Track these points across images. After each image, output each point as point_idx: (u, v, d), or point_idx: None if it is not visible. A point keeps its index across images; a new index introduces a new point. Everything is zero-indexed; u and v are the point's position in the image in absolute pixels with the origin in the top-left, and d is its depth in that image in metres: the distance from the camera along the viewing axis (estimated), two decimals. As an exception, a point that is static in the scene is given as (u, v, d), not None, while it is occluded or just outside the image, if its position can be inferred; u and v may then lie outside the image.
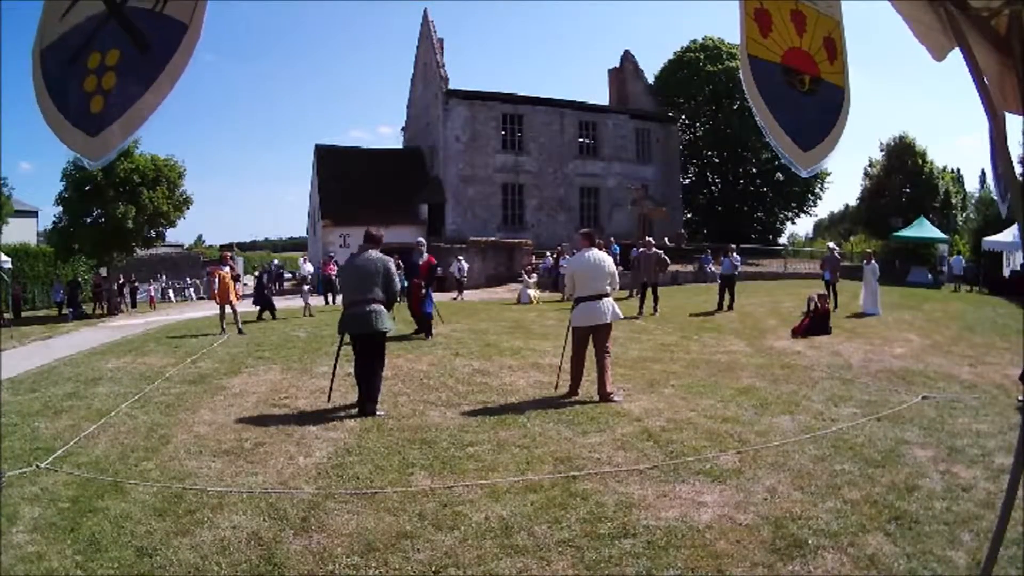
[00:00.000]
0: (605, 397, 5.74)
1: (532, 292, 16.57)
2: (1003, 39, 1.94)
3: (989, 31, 1.93)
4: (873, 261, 13.35)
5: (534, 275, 18.36)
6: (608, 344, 5.90)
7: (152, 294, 23.35)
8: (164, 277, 27.52)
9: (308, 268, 20.01)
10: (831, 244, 16.80)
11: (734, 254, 14.66)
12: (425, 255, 9.93)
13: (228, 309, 11.35)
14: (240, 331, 10.90)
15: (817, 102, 1.80)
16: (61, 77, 1.40)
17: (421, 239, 10.92)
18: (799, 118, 1.73)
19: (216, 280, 11.51)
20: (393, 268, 5.72)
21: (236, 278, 12.23)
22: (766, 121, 1.66)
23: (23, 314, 19.74)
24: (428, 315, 9.71)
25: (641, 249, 14.17)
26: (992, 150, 2.11)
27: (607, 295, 5.85)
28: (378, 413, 5.42)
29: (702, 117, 35.11)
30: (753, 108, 1.66)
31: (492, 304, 16.11)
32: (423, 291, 9.67)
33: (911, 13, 1.88)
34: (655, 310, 12.61)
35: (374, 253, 5.67)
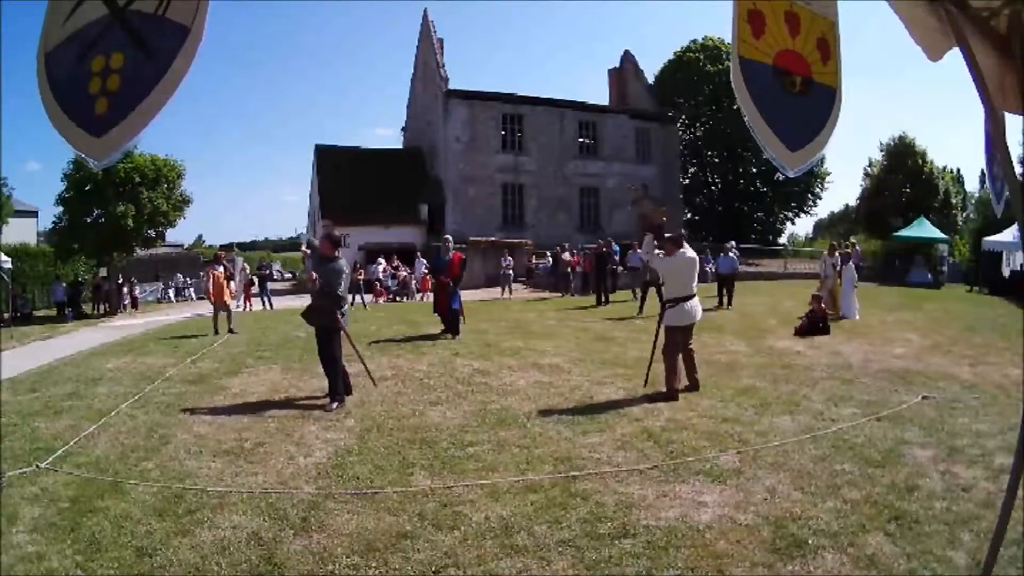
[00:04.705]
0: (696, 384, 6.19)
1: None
2: (1003, 38, 1.94)
3: (989, 30, 1.93)
4: (851, 262, 12.44)
5: (511, 271, 18.89)
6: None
7: (159, 295, 23.40)
8: (166, 278, 27.51)
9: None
10: (833, 244, 16.75)
11: (732, 252, 14.70)
12: (452, 251, 9.94)
13: (222, 310, 11.30)
14: (231, 330, 10.88)
15: (807, 103, 1.81)
16: (66, 80, 1.41)
17: (448, 236, 10.94)
18: (788, 119, 1.74)
19: (211, 280, 11.47)
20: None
21: (230, 277, 12.15)
22: (754, 122, 1.67)
23: (19, 314, 19.67)
24: (456, 312, 9.72)
25: (642, 250, 14.19)
26: (987, 148, 2.11)
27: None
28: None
29: (702, 117, 35.09)
30: (742, 109, 1.67)
31: (492, 304, 16.12)
32: (452, 288, 9.66)
33: (908, 12, 1.88)
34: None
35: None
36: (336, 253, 6.02)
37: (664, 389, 5.95)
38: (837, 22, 1.88)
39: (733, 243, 15.62)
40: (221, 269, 11.49)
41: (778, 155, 1.71)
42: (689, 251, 6.25)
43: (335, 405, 5.66)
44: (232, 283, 12.49)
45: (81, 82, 1.39)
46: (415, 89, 32.28)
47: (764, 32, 1.71)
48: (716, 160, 36.14)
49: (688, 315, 6.08)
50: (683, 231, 7.98)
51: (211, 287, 11.37)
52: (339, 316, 5.88)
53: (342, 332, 5.97)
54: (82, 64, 1.39)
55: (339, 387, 5.81)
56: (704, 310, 6.64)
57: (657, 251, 6.44)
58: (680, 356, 6.11)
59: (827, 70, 1.85)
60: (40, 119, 1.41)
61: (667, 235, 6.59)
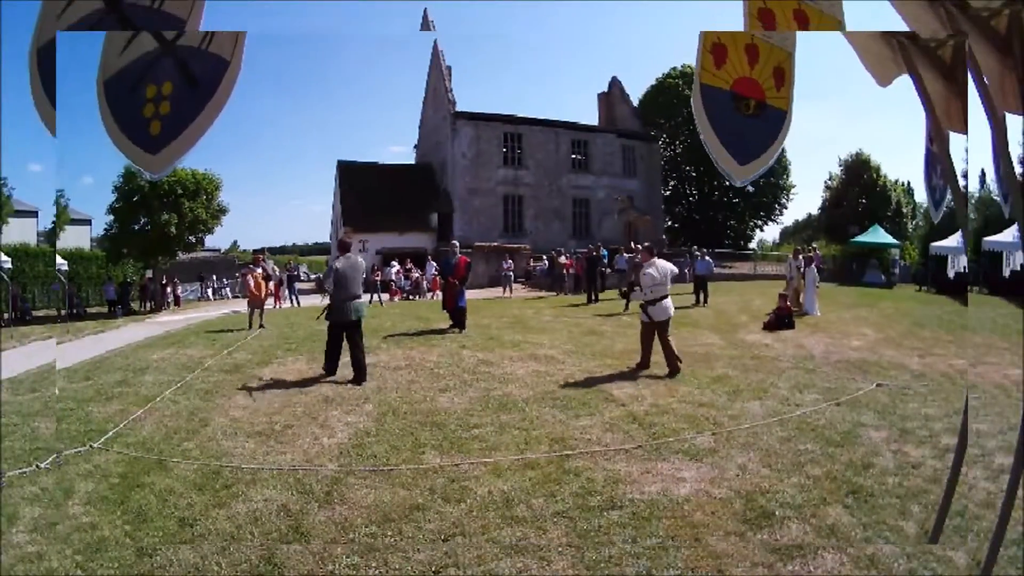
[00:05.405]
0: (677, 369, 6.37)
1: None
2: (1003, 39, 1.83)
3: (989, 30, 1.83)
4: (813, 265, 12.38)
5: (511, 273, 19.09)
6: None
7: (199, 294, 23.51)
8: (206, 278, 27.50)
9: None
10: (798, 248, 16.77)
11: (707, 256, 14.77)
12: (458, 255, 9.98)
13: (257, 307, 11.27)
14: (262, 326, 10.86)
15: (759, 123, 1.82)
16: (124, 104, 1.45)
17: (455, 241, 11.13)
18: (739, 137, 1.76)
19: (251, 280, 11.41)
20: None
21: (267, 278, 12.13)
22: (708, 139, 1.70)
23: (75, 311, 19.58)
24: (463, 309, 9.75)
25: (628, 255, 14.28)
26: (994, 150, 1.98)
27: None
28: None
29: (681, 136, 34.99)
30: (699, 128, 1.69)
31: (495, 302, 16.12)
32: (458, 287, 9.69)
33: (861, 43, 1.87)
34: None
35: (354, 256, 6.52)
36: (338, 254, 6.42)
37: (643, 372, 6.44)
38: (794, 53, 1.89)
39: (700, 248, 15.71)
40: (260, 271, 11.47)
41: (729, 169, 1.74)
42: (661, 261, 6.84)
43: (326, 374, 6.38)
44: (271, 283, 12.49)
45: (137, 107, 1.43)
46: (426, 111, 32.23)
47: (725, 62, 1.73)
48: (694, 174, 36.08)
49: (669, 310, 6.57)
50: (664, 238, 8.30)
51: (252, 286, 11.32)
52: (325, 310, 6.37)
53: (341, 324, 6.28)
54: (137, 91, 1.43)
55: (327, 363, 6.45)
56: (681, 308, 6.84)
57: (641, 268, 6.92)
58: (661, 345, 6.51)
59: (781, 95, 1.86)
60: (91, 138, 1.45)
61: (644, 244, 7.42)
